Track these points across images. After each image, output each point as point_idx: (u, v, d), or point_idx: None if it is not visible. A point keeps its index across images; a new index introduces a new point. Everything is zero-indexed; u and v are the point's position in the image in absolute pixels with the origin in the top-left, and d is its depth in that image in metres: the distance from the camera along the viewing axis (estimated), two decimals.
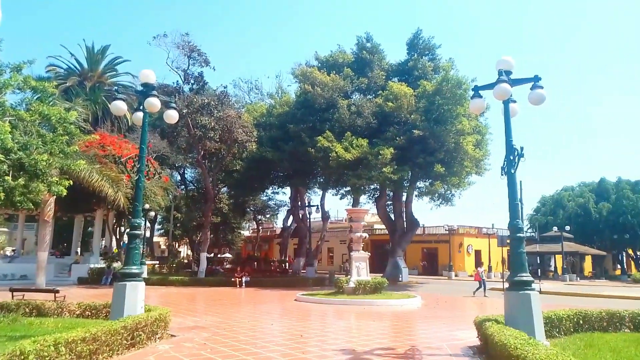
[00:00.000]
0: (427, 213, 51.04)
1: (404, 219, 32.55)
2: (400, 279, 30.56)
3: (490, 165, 29.81)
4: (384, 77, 29.51)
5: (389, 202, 34.47)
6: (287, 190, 39.15)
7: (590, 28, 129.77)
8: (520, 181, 40.05)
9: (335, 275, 25.82)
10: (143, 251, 31.56)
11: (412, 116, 25.60)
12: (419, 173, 27.81)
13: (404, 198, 32.73)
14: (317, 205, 35.81)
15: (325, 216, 37.20)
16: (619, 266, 54.03)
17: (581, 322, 9.75)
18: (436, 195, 29.96)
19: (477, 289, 21.69)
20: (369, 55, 30.26)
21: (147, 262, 31.66)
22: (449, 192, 29.75)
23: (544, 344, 6.73)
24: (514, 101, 8.84)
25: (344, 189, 33.43)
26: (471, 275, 42.09)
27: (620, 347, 7.87)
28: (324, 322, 12.67)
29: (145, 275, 28.04)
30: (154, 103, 9.53)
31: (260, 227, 54.32)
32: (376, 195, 33.93)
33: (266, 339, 9.46)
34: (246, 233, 63.41)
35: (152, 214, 31.08)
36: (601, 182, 51.25)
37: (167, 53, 28.92)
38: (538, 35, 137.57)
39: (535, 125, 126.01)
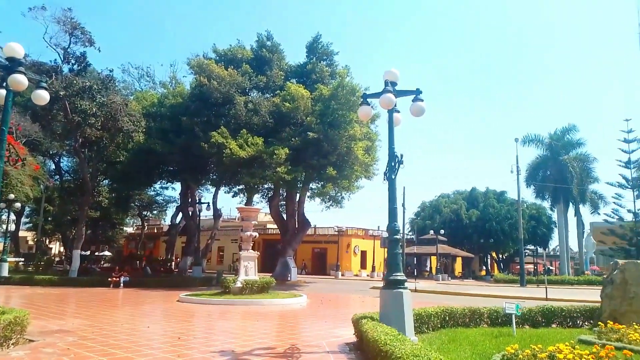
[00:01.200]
0: (319, 214, 52.32)
1: (296, 219, 32.99)
2: (289, 278, 30.89)
3: (378, 170, 31.47)
4: (282, 78, 29.65)
5: (282, 202, 34.72)
6: (178, 185, 37.55)
7: (464, 44, 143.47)
8: (404, 187, 43.01)
9: (224, 275, 25.27)
10: (5, 246, 28.07)
11: (308, 118, 26.04)
12: (312, 174, 28.39)
13: (296, 198, 33.17)
14: (208, 203, 34.85)
15: (217, 214, 36.30)
16: (484, 267, 60.33)
17: (447, 318, 10.61)
18: (327, 197, 30.84)
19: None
20: (269, 54, 30.21)
21: (9, 259, 28.21)
22: (339, 194, 30.82)
23: (412, 339, 7.21)
24: (398, 111, 9.37)
25: (238, 187, 32.95)
26: (357, 275, 44.12)
27: (478, 341, 8.69)
28: (206, 323, 12.30)
29: (5, 274, 24.96)
30: (19, 80, 8.46)
31: (145, 224, 51.34)
32: (270, 195, 33.97)
33: (140, 342, 8.89)
34: (130, 230, 59.45)
35: (18, 205, 27.77)
36: (472, 191, 56.83)
37: (45, 28, 26.04)
38: (421, 49, 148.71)
39: (421, 134, 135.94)
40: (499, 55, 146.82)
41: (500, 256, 61.37)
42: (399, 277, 8.45)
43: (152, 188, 40.45)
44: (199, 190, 36.04)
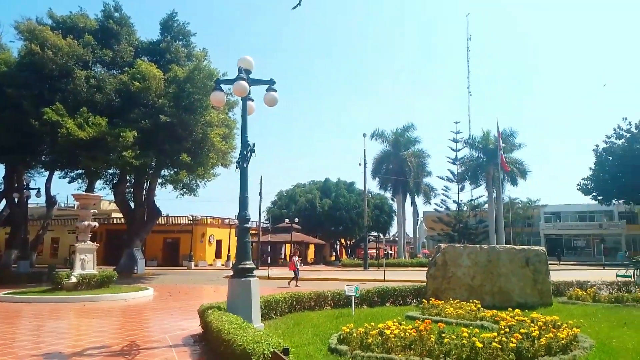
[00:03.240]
0: (172, 202, 49.92)
1: (145, 208, 30.93)
2: (135, 271, 28.92)
3: (235, 158, 31.03)
4: (132, 54, 27.37)
5: (130, 189, 32.22)
6: (1, 167, 32.32)
7: (326, 40, 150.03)
8: (262, 176, 43.25)
9: (57, 270, 22.55)
10: None
11: (160, 100, 24.49)
12: (165, 160, 26.84)
13: (146, 185, 31.09)
14: (39, 189, 30.72)
15: (50, 201, 32.23)
16: (334, 253, 64.15)
17: (295, 303, 11.01)
18: (181, 184, 29.50)
19: (295, 278, 21.20)
20: (117, 27, 27.56)
21: None
22: (194, 182, 29.71)
23: (257, 326, 7.30)
24: (252, 99, 9.33)
25: (76, 171, 29.63)
26: (211, 265, 43.25)
27: (320, 323, 9.18)
28: (31, 323, 10.85)
29: None
30: None
31: None
32: (115, 181, 31.21)
33: None
34: None
35: None
36: (326, 182, 59.82)
37: None
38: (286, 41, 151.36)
39: (282, 124, 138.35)
40: (357, 53, 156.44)
41: (348, 242, 65.90)
42: (247, 266, 8.47)
43: None
44: (29, 174, 31.48)
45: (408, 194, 49.74)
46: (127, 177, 30.53)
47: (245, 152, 8.73)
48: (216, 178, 30.59)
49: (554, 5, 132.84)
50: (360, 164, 40.91)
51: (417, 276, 21.62)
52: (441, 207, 48.40)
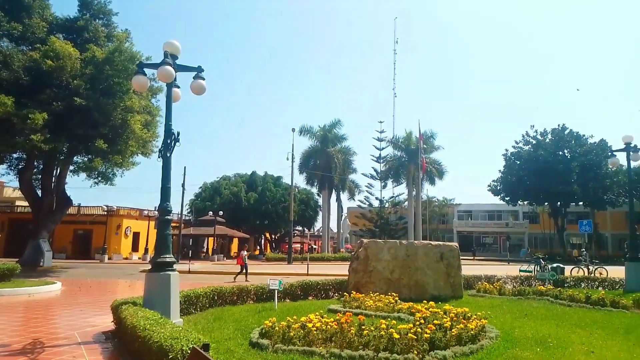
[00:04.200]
0: (85, 191, 46.77)
1: (54, 196, 28.66)
2: (42, 263, 26.78)
3: (158, 147, 29.65)
4: (45, 30, 25.17)
5: (38, 176, 29.68)
6: None
7: (258, 35, 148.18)
8: (185, 167, 41.91)
9: None
10: None
11: (75, 81, 22.79)
12: (78, 146, 25.05)
13: (56, 172, 28.82)
14: None
15: None
16: (258, 247, 63.70)
17: (216, 297, 10.77)
18: (95, 172, 27.67)
19: (243, 272, 20.58)
20: None
21: None
22: (110, 170, 28.02)
23: (176, 322, 7.04)
24: (178, 86, 8.95)
25: None
26: (127, 258, 41.12)
27: (242, 317, 9.06)
28: None
29: None
30: None
31: None
32: (21, 166, 28.59)
33: None
34: None
35: None
36: (252, 175, 59.15)
37: None
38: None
39: (209, 115, 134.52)
40: (288, 47, 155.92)
41: (273, 236, 65.77)
42: (167, 259, 8.15)
43: None
44: None
45: (334, 190, 50.61)
46: (35, 163, 28.15)
47: (169, 141, 8.35)
48: (136, 167, 29.03)
49: (479, 9, 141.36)
50: (288, 159, 40.98)
51: (340, 270, 22.09)
52: (365, 203, 49.79)
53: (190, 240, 47.27)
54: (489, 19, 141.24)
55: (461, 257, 13.79)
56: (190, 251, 41.55)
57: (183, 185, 38.37)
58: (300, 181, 70.56)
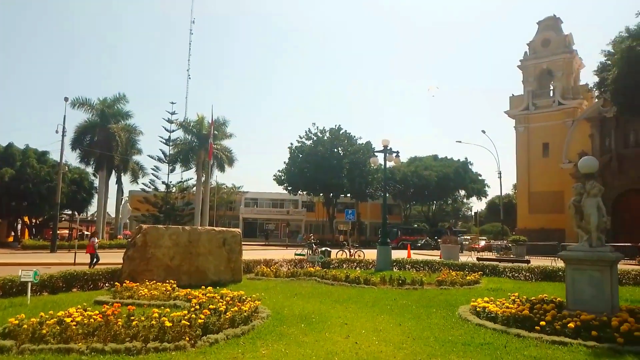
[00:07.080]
0: None
1: None
2: None
3: None
4: None
5: None
6: None
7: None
8: None
9: None
10: None
11: None
12: None
13: None
14: None
15: None
16: (12, 233, 53.94)
17: None
18: None
19: (94, 263, 16.86)
20: None
21: None
22: None
23: None
24: None
25: None
26: None
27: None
28: None
29: None
30: None
31: None
32: None
33: None
34: None
35: None
36: (8, 147, 49.40)
37: None
38: None
39: None
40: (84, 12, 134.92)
41: (34, 221, 56.44)
42: None
43: None
44: None
45: (114, 171, 46.27)
46: None
47: None
48: None
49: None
50: (57, 132, 35.62)
51: (116, 259, 20.38)
52: (149, 187, 46.82)
53: None
54: (300, 14, 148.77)
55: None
56: None
57: None
58: (72, 159, 62.20)
